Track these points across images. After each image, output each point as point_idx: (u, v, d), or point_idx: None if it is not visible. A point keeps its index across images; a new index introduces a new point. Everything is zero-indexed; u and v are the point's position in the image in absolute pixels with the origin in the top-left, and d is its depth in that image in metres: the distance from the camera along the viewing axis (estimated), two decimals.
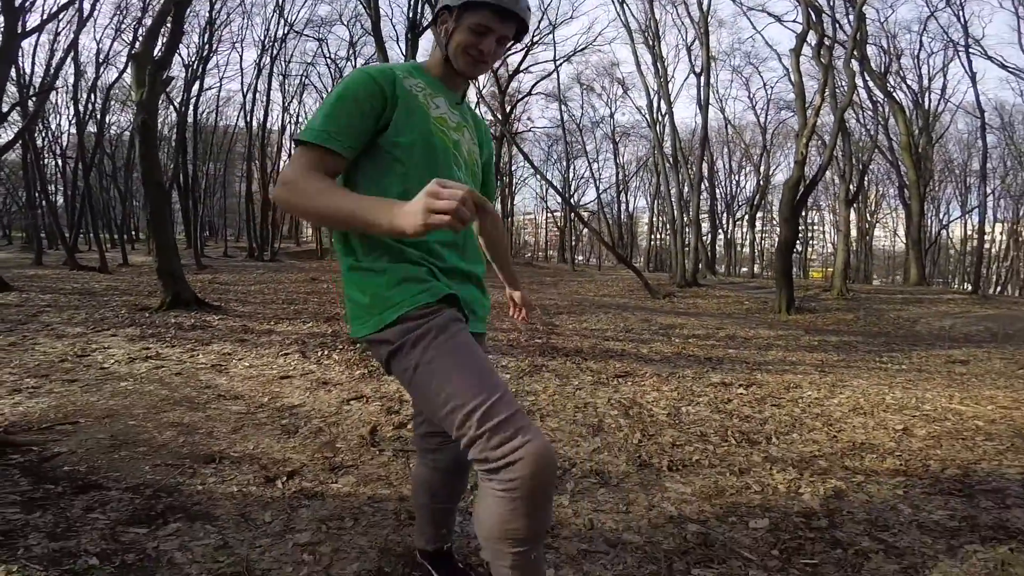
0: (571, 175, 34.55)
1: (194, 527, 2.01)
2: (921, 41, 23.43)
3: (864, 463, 2.87)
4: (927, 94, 22.49)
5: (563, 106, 29.02)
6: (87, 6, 16.84)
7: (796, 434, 3.34)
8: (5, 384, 3.93)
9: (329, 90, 26.48)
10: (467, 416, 1.08)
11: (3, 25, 10.79)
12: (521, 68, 26.16)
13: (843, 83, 14.11)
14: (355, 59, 26.39)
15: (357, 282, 1.27)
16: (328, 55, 28.31)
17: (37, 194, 20.86)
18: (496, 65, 24.46)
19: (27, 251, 21.61)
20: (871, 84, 19.36)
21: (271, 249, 24.61)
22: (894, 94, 19.94)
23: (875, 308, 11.60)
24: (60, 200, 25.95)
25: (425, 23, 16.52)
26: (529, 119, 45.09)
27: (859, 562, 1.91)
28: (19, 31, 11.10)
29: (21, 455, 2.57)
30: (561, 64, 26.87)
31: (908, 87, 22.26)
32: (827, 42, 13.27)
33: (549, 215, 43.93)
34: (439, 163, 1.27)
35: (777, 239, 11.79)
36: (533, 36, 25.21)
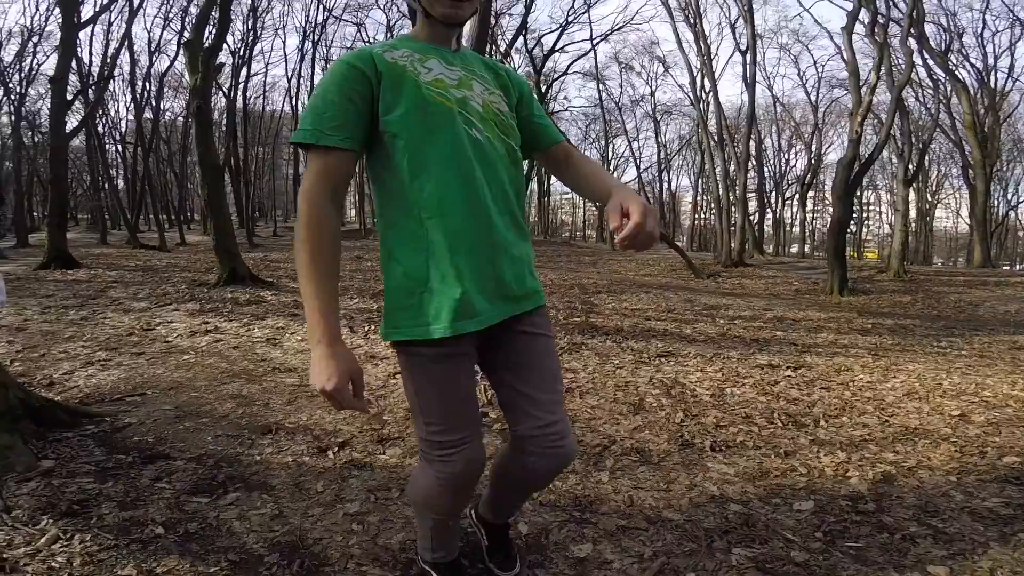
0: (610, 154, 34.06)
1: (252, 496, 2.13)
2: (984, 20, 21.84)
3: (917, 448, 2.80)
4: (993, 73, 21.28)
5: (601, 85, 28.51)
6: None
7: (846, 417, 3.27)
8: (79, 357, 4.20)
9: None
10: (427, 425, 1.28)
11: (62, 17, 11.33)
12: (557, 48, 25.71)
13: (900, 61, 13.45)
14: None
15: (385, 273, 1.27)
16: (367, 40, 28.56)
17: (100, 178, 21.94)
18: (532, 47, 24.17)
19: (92, 231, 22.79)
20: (931, 62, 18.36)
21: None
22: (956, 72, 18.85)
23: (935, 291, 11.12)
24: (121, 183, 27.14)
25: None
26: (565, 98, 44.32)
27: (906, 547, 1.89)
28: (76, 22, 11.61)
29: (95, 425, 2.75)
30: (598, 43, 26.35)
31: (972, 66, 21.06)
32: (881, 20, 12.59)
33: None
34: (443, 127, 1.18)
35: (830, 219, 11.40)
36: (568, 15, 24.67)
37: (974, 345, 5.64)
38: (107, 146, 25.41)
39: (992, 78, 21.15)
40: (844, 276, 10.76)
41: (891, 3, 14.90)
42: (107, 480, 2.19)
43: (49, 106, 12.17)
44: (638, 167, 31.95)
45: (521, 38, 22.53)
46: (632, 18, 33.00)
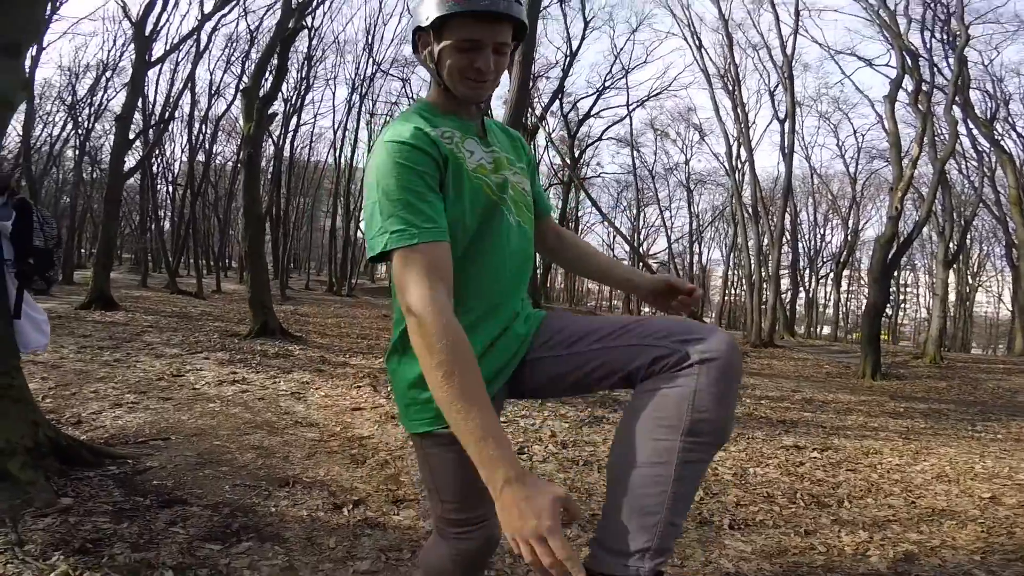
0: (641, 223, 34.26)
1: (264, 547, 2.14)
2: None
3: (942, 528, 2.72)
4: None
5: (635, 152, 28.91)
6: (204, 38, 18.44)
7: (871, 499, 3.18)
8: (109, 398, 4.32)
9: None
10: (442, 504, 1.21)
11: (135, 54, 12.10)
12: (592, 113, 26.37)
13: (943, 131, 13.22)
14: None
15: (398, 366, 1.20)
16: (410, 95, 29.81)
17: (149, 218, 22.82)
18: (568, 111, 24.76)
19: (135, 272, 23.54)
20: (975, 132, 17.73)
21: (348, 284, 25.80)
22: (1002, 143, 18.39)
23: (972, 377, 10.75)
24: (167, 225, 28.19)
25: None
26: (599, 164, 45.04)
27: None
28: (147, 59, 12.39)
29: (117, 467, 2.81)
30: (634, 109, 26.80)
31: (1019, 135, 20.61)
32: (925, 88, 12.50)
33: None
34: (489, 220, 1.12)
35: (865, 301, 11.16)
36: (605, 80, 25.36)
37: (1011, 430, 5.44)
38: (158, 186, 26.35)
39: None
40: (878, 360, 10.45)
41: (936, 70, 14.59)
42: (123, 521, 2.22)
43: (111, 143, 12.80)
44: (669, 237, 32.02)
45: (557, 102, 23.01)
46: (670, 84, 33.62)
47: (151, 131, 18.62)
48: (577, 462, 3.57)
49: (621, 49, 24.13)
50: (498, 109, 19.91)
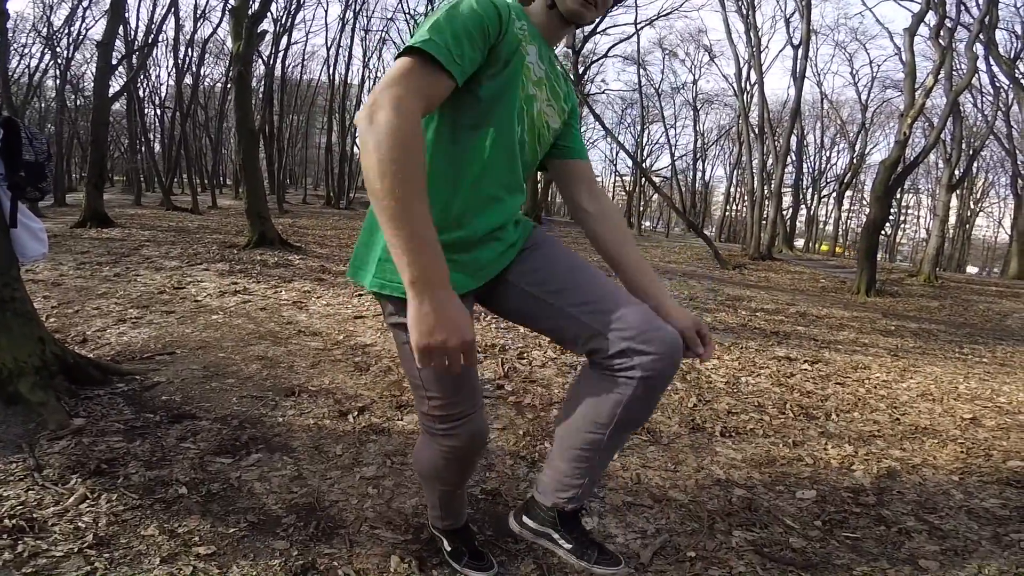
0: (645, 140, 33.58)
1: (273, 458, 2.21)
2: None
3: (924, 447, 2.82)
4: None
5: (642, 70, 27.96)
6: None
7: (857, 413, 3.29)
8: (112, 314, 4.34)
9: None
10: (428, 401, 1.24)
11: None
12: (598, 29, 25.19)
13: (962, 66, 12.94)
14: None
15: (372, 220, 1.17)
16: (407, 10, 28.34)
17: (138, 141, 22.34)
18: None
19: (128, 193, 23.26)
20: (995, 69, 17.58)
21: (347, 197, 25.64)
22: (1022, 81, 18.09)
23: (964, 298, 10.89)
24: (157, 147, 27.60)
25: None
26: (604, 81, 43.49)
27: (900, 540, 1.93)
28: None
29: (126, 384, 2.83)
30: (642, 28, 25.66)
31: None
32: (948, 23, 12.12)
33: (618, 179, 41.97)
34: (511, 113, 1.14)
35: (865, 218, 11.15)
36: None
37: (996, 353, 5.56)
38: (146, 110, 25.78)
39: None
40: (873, 277, 10.58)
41: (963, 7, 14.35)
42: (135, 439, 2.27)
43: (94, 70, 12.37)
44: (672, 154, 31.45)
45: None
46: (681, 4, 31.95)
47: (134, 56, 17.97)
48: (575, 367, 3.66)
49: None
50: None
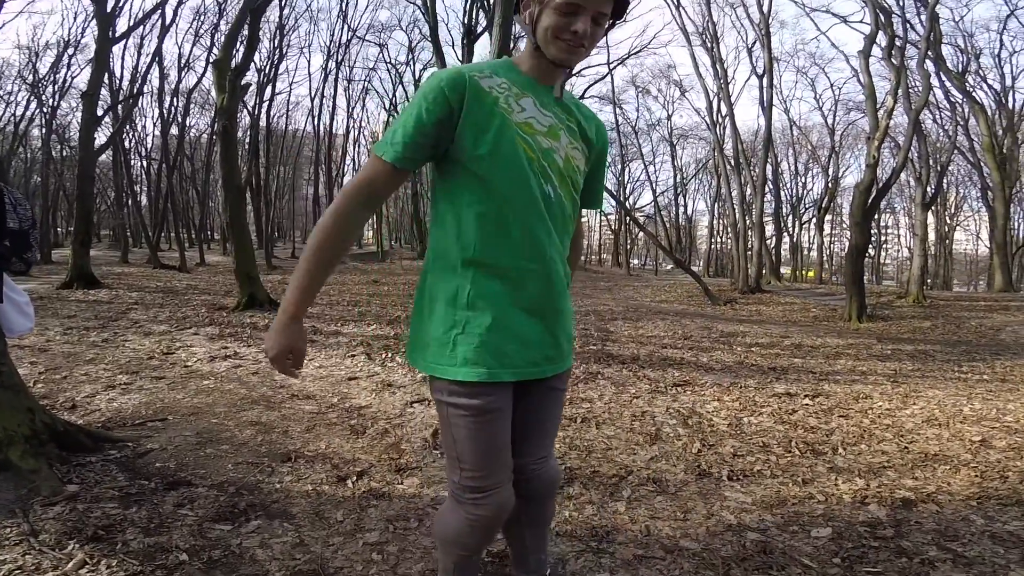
0: (626, 178, 34.20)
1: (273, 524, 2.15)
2: (1002, 40, 21.37)
3: (936, 474, 2.78)
4: (1011, 93, 20.90)
5: (617, 109, 28.69)
6: (169, 12, 17.93)
7: (864, 445, 3.24)
8: (101, 380, 4.28)
9: (390, 96, 27.43)
10: (461, 471, 1.29)
11: (98, 30, 11.66)
12: (574, 72, 25.76)
13: (917, 84, 13.44)
14: (414, 64, 27.13)
15: (423, 305, 1.27)
16: (388, 60, 29.06)
17: (125, 194, 22.36)
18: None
19: (114, 249, 23.17)
20: (948, 84, 18.32)
21: None
22: (974, 94, 18.73)
23: (955, 316, 10.96)
24: (144, 200, 27.63)
25: (480, 29, 16.73)
26: None
27: (925, 571, 1.88)
28: (111, 36, 11.93)
29: (118, 450, 2.79)
30: (615, 67, 26.61)
31: (989, 87, 20.80)
32: (898, 42, 12.65)
33: (603, 218, 42.47)
34: (519, 178, 1.15)
35: (848, 243, 11.32)
36: None
37: (996, 370, 5.56)
38: (132, 162, 25.81)
39: (1010, 99, 20.87)
40: (863, 302, 10.63)
41: (908, 26, 14.97)
42: (131, 506, 2.22)
43: (79, 120, 12.47)
44: (654, 191, 32.03)
45: None
46: (649, 42, 33.17)
47: (120, 107, 18.12)
48: (575, 420, 3.61)
49: None
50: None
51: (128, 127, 22.89)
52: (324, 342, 6.07)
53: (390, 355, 5.38)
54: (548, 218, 1.19)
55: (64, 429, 2.69)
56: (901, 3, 14.98)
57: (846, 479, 2.72)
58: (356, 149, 34.85)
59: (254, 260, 9.03)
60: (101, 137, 15.35)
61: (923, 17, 13.81)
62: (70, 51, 21.71)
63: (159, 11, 16.47)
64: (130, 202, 22.70)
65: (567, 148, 1.23)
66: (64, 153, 26.52)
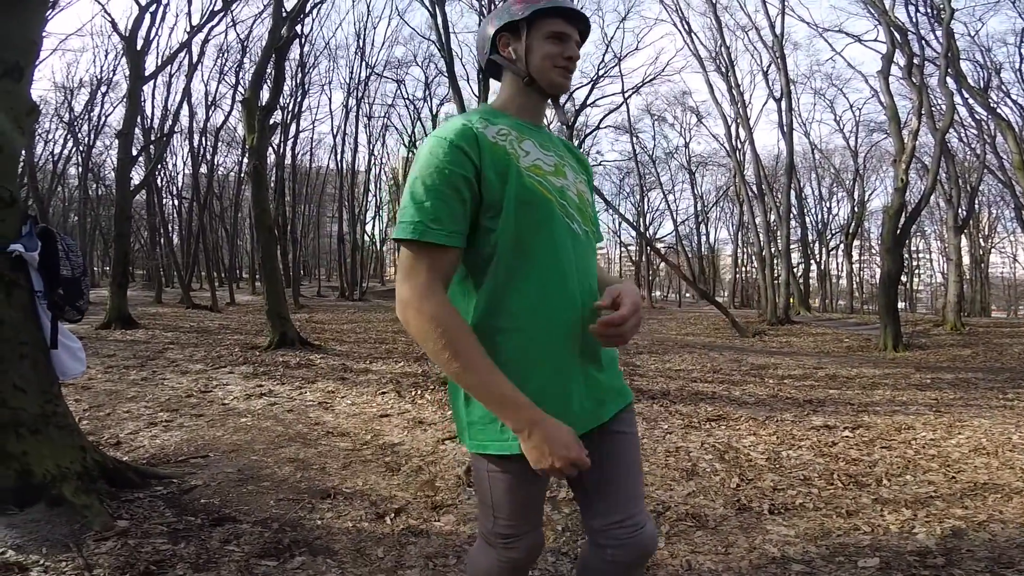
0: (645, 207, 34.10)
1: (317, 561, 2.17)
2: (1021, 53, 20.83)
3: (987, 502, 2.72)
4: None
5: (634, 138, 28.74)
6: (196, 50, 18.37)
7: (909, 476, 3.17)
8: (143, 417, 4.38)
9: (409, 131, 27.92)
10: (495, 519, 1.24)
11: (129, 69, 12.11)
12: (588, 102, 25.94)
13: (940, 102, 13.26)
14: (431, 99, 27.53)
15: (453, 386, 1.18)
16: (406, 96, 29.70)
17: (158, 233, 22.83)
18: (564, 101, 24.08)
19: (148, 289, 23.60)
20: (971, 101, 18.00)
21: (360, 288, 25.94)
22: (998, 110, 18.33)
23: (996, 343, 10.65)
24: (175, 239, 28.21)
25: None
26: (599, 152, 44.65)
27: None
28: (141, 74, 12.33)
29: (164, 487, 2.86)
30: (630, 96, 26.47)
31: (1013, 101, 20.29)
32: (916, 61, 12.52)
33: (623, 249, 41.73)
34: (545, 223, 1.10)
35: (879, 271, 11.09)
36: (599, 69, 24.98)
37: None
38: (164, 201, 26.11)
39: None
40: (898, 331, 10.40)
41: (924, 43, 14.75)
42: (179, 542, 2.26)
43: (114, 159, 12.81)
44: (675, 220, 31.90)
45: None
46: (663, 69, 33.31)
47: (152, 146, 18.57)
48: None
49: (612, 38, 23.86)
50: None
51: (160, 166, 23.26)
52: (355, 379, 6.14)
53: (419, 392, 5.42)
54: (576, 258, 1.14)
55: (113, 466, 2.76)
56: (915, 20, 14.77)
57: (892, 510, 2.66)
58: (377, 185, 35.53)
59: (285, 300, 9.19)
60: (135, 176, 15.79)
61: (939, 34, 13.68)
62: (103, 89, 22.33)
63: (186, 49, 16.88)
64: (163, 241, 23.11)
65: (575, 184, 1.21)
66: (100, 192, 26.99)
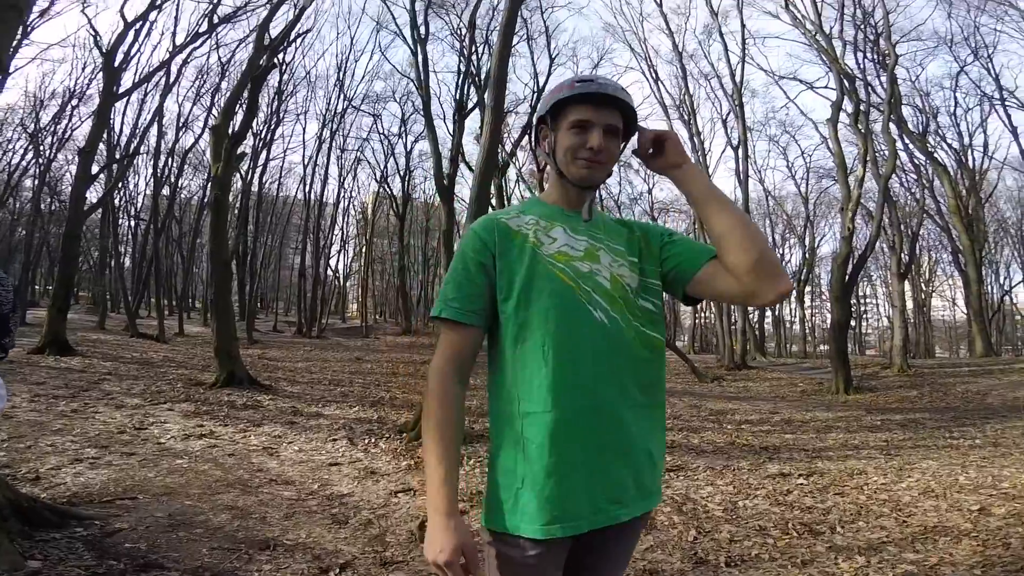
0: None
1: None
2: (955, 97, 21.19)
3: (938, 546, 2.73)
4: (969, 152, 21.36)
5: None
6: (174, 70, 17.74)
7: (862, 522, 3.18)
8: (67, 452, 4.09)
9: (382, 167, 27.77)
10: None
11: (103, 84, 11.70)
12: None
13: (883, 148, 13.94)
14: (406, 136, 27.39)
15: (490, 462, 1.17)
16: (381, 131, 29.50)
17: (109, 256, 21.71)
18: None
19: (92, 313, 22.22)
20: (911, 146, 18.78)
21: (318, 325, 25.18)
22: (935, 154, 19.14)
23: (941, 383, 11.03)
24: (127, 262, 26.97)
25: (471, 104, 17.26)
26: None
27: None
28: (115, 91, 11.96)
29: (84, 528, 2.65)
30: None
31: (949, 146, 21.16)
32: (863, 107, 13.25)
33: None
34: (561, 309, 1.09)
35: (829, 317, 11.44)
36: None
37: (987, 434, 5.57)
38: (120, 221, 24.81)
39: (970, 157, 21.24)
40: (848, 375, 10.71)
41: (870, 88, 15.57)
42: None
43: (73, 175, 12.24)
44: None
45: (526, 136, 22.74)
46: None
47: (115, 165, 17.81)
48: None
49: None
50: (468, 144, 20.01)
51: (120, 185, 22.20)
52: (305, 424, 5.89)
53: (373, 440, 5.22)
54: (595, 348, 1.09)
55: (27, 504, 2.57)
56: (863, 67, 15.69)
57: (846, 557, 2.65)
58: (345, 219, 34.94)
59: (236, 338, 8.75)
60: (94, 194, 15.11)
61: (883, 79, 14.54)
62: (74, 102, 21.02)
63: (164, 69, 16.41)
64: (113, 263, 21.98)
65: (612, 268, 1.15)
66: (53, 207, 25.23)
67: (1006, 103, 19.04)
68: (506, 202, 19.62)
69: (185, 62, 18.51)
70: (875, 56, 16.10)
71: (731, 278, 1.09)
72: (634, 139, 1.23)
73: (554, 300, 1.09)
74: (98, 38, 12.96)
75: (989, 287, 27.56)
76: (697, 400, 9.15)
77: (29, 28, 14.08)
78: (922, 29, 18.37)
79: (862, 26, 15.57)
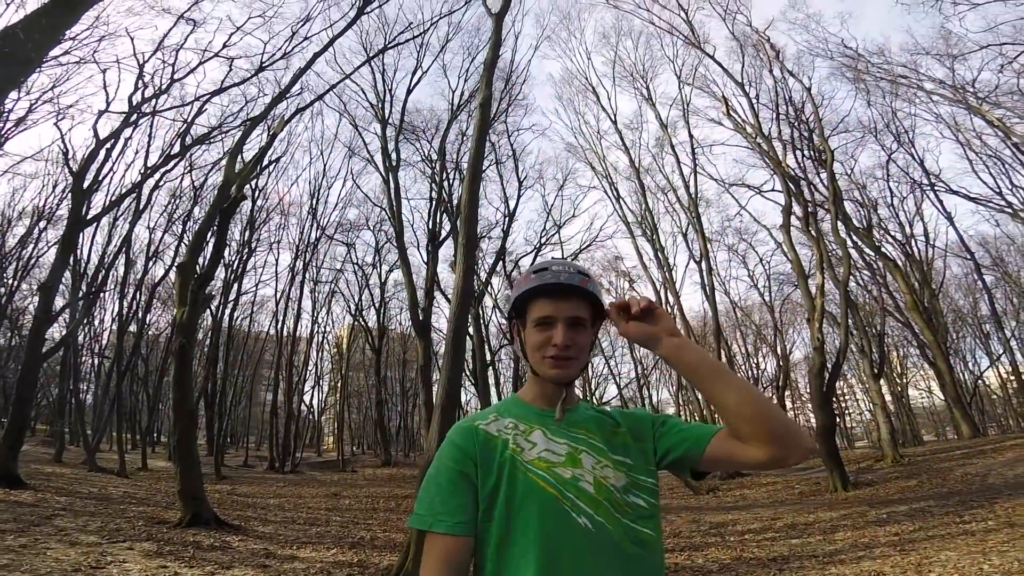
0: (589, 373, 34.36)
1: None
2: (889, 187, 22.04)
3: None
4: (913, 242, 22.14)
5: None
6: (145, 194, 17.23)
7: None
8: None
9: (356, 299, 27.48)
10: None
11: (70, 209, 10.99)
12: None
13: (836, 248, 14.50)
14: (380, 266, 27.35)
15: None
16: (355, 260, 29.62)
17: (69, 392, 20.07)
18: (511, 270, 24.64)
19: (48, 445, 20.64)
20: (860, 243, 19.36)
21: (291, 460, 23.86)
22: (883, 249, 19.84)
23: (937, 468, 10.84)
24: (89, 398, 25.35)
25: (443, 233, 17.49)
26: None
27: None
28: (83, 215, 11.42)
29: None
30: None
31: (893, 238, 21.96)
32: (810, 208, 13.87)
33: None
34: (543, 517, 1.07)
35: (815, 423, 11.38)
36: (541, 237, 26.03)
37: (998, 514, 5.35)
38: (83, 359, 23.42)
39: (914, 247, 21.84)
40: (843, 473, 10.55)
41: (812, 187, 16.48)
42: None
43: (35, 306, 11.46)
44: (618, 384, 32.03)
45: (500, 262, 22.38)
46: (596, 236, 35.33)
47: (79, 303, 16.99)
48: None
49: (552, 205, 25.33)
50: (444, 272, 20.17)
51: (85, 322, 20.99)
52: (278, 568, 5.41)
53: None
54: (577, 555, 1.05)
55: None
56: (802, 165, 16.57)
57: None
58: (319, 355, 33.92)
59: (201, 482, 8.06)
60: (55, 332, 14.12)
61: (823, 176, 15.35)
62: (42, 224, 20.24)
63: (135, 192, 15.96)
64: (73, 401, 20.40)
65: (595, 471, 1.12)
66: (13, 342, 23.87)
67: (935, 188, 20.06)
68: (483, 330, 19.42)
69: (157, 185, 18.19)
70: (811, 153, 17.16)
71: (752, 449, 1.07)
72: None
73: (537, 509, 1.07)
74: (69, 157, 12.73)
75: (961, 373, 27.80)
76: (695, 514, 8.75)
77: (3, 138, 14.00)
78: (848, 121, 19.59)
79: (796, 123, 16.78)
